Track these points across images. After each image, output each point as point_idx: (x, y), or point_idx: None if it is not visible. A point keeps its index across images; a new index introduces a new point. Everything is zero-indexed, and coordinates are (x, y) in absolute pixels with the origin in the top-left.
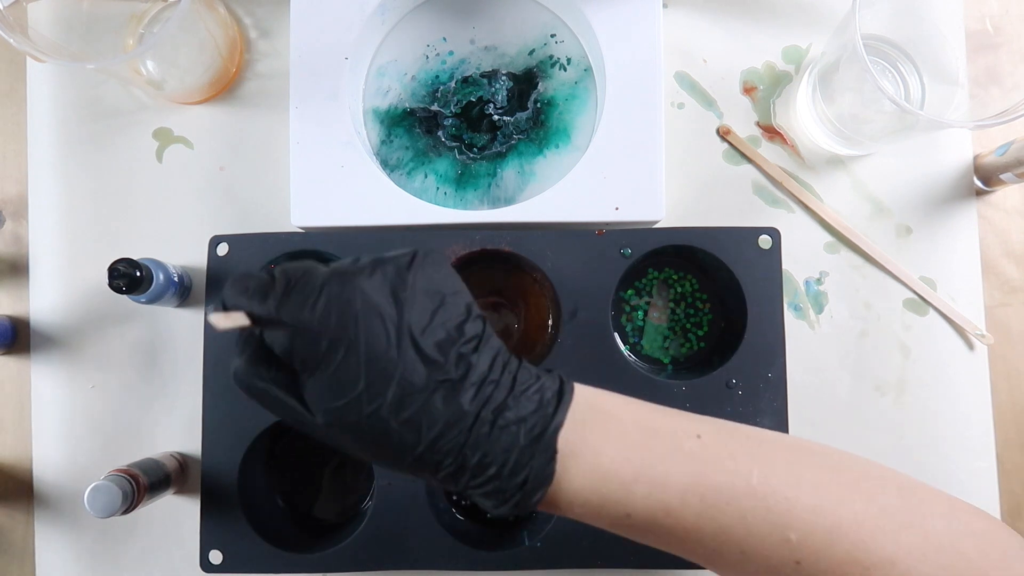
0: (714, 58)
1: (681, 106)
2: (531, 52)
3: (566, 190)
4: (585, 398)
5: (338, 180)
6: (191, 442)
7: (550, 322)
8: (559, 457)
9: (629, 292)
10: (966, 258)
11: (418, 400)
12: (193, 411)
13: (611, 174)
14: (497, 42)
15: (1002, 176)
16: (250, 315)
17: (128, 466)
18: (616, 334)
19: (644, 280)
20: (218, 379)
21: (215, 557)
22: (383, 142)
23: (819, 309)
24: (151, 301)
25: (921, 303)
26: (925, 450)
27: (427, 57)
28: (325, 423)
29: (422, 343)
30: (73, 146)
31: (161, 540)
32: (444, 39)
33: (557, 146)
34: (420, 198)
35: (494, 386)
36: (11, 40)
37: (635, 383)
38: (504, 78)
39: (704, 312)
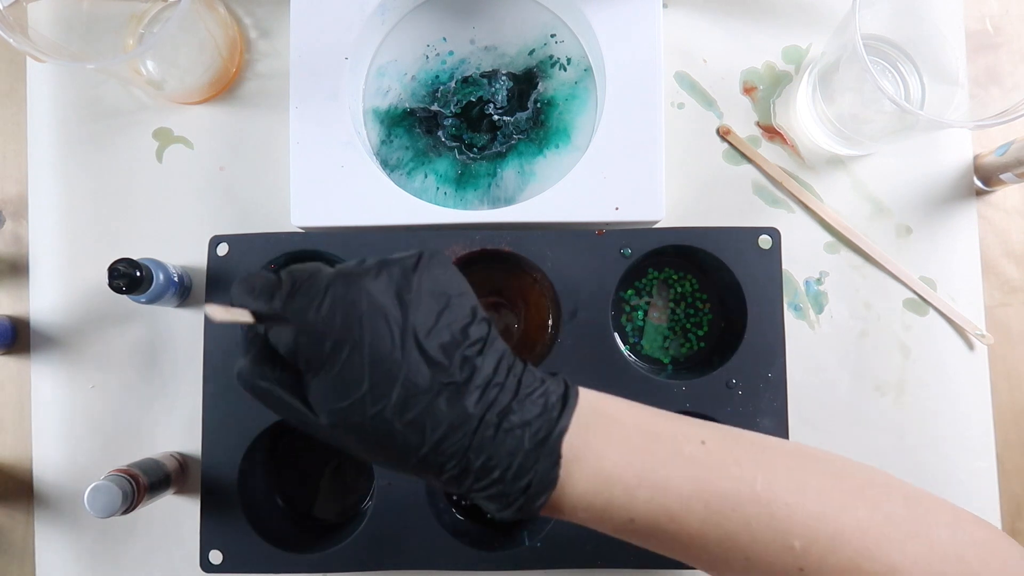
0: (714, 58)
1: (681, 106)
2: (531, 52)
3: (566, 190)
4: (589, 402)
5: (338, 180)
6: (191, 442)
7: (550, 322)
8: (563, 462)
9: (629, 292)
10: (966, 258)
11: (422, 402)
12: (193, 411)
13: (611, 174)
14: (497, 42)
15: (1002, 176)
16: (255, 313)
17: (128, 466)
18: (616, 334)
19: (644, 280)
20: (218, 379)
21: (215, 557)
22: (383, 142)
23: (819, 309)
24: (151, 301)
25: (921, 303)
26: (925, 450)
27: (427, 57)
28: (329, 424)
29: (426, 345)
30: (73, 146)
31: (161, 540)
32: (444, 39)
33: (557, 146)
34: (420, 198)
35: (499, 389)
36: (11, 40)
37: (635, 383)
38: (504, 78)
39: (704, 312)
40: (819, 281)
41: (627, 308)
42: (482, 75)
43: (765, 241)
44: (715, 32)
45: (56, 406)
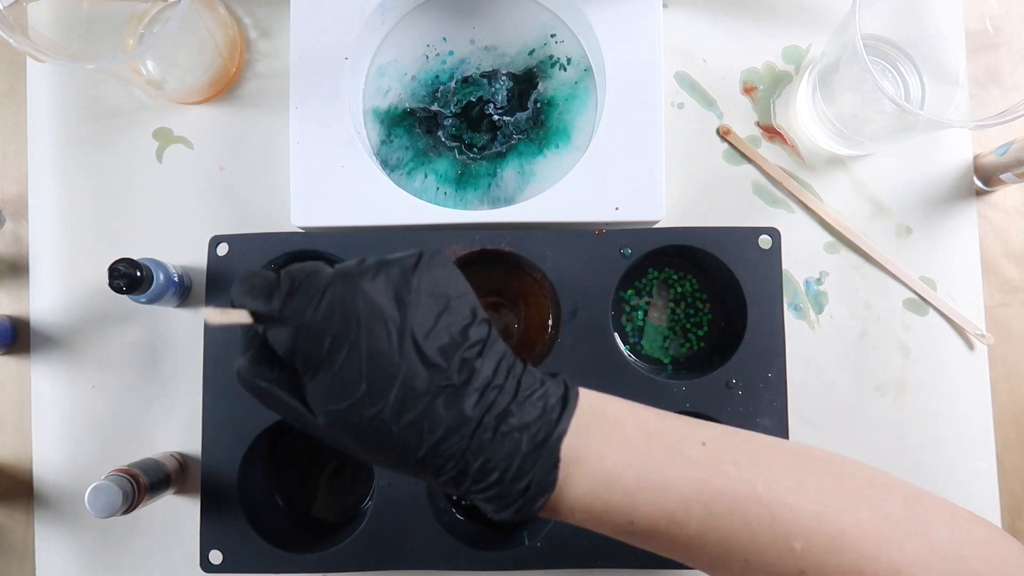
0: (714, 58)
1: (681, 106)
2: (531, 52)
3: (566, 190)
4: (589, 403)
5: (338, 180)
6: (191, 442)
7: (550, 322)
8: (562, 464)
9: (629, 292)
10: (966, 258)
11: (420, 404)
12: (193, 411)
13: (611, 174)
14: (497, 42)
15: (1002, 176)
16: (254, 313)
17: (128, 466)
18: (616, 334)
19: (644, 280)
20: (218, 379)
21: (215, 557)
22: (383, 142)
23: (819, 309)
24: (151, 301)
25: (921, 303)
26: (925, 450)
27: (427, 57)
28: (326, 424)
29: (425, 347)
30: (73, 146)
31: (161, 540)
32: (444, 39)
33: (557, 146)
34: (420, 198)
35: (498, 391)
36: (11, 40)
37: (635, 383)
38: (504, 78)
39: (704, 312)
40: (819, 281)
41: (627, 308)
42: (482, 75)
43: (765, 241)
44: (715, 32)
45: (56, 406)
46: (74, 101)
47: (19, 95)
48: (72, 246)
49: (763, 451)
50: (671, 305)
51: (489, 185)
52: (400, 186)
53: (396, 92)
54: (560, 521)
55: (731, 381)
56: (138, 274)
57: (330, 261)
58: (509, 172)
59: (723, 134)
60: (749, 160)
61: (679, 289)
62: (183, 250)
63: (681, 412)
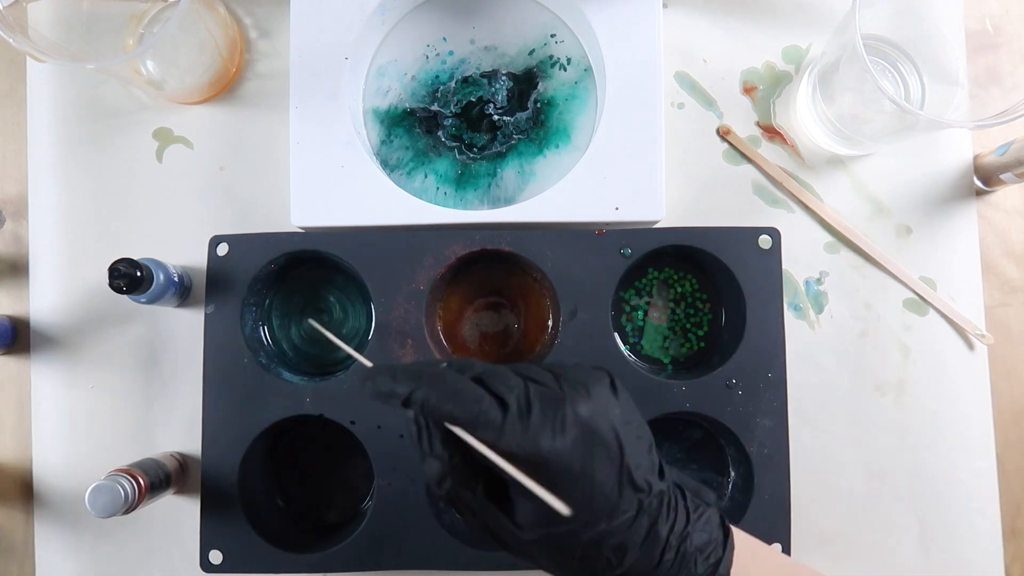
0: (714, 58)
1: (681, 106)
2: (531, 52)
3: (566, 190)
4: (738, 535)
5: (338, 180)
6: (191, 442)
7: (550, 322)
8: None
9: (629, 292)
10: (966, 258)
11: (628, 527)
12: (193, 411)
13: (611, 174)
14: (497, 42)
15: (1002, 176)
16: (484, 440)
17: (128, 466)
18: (616, 334)
19: (644, 280)
20: (218, 379)
21: (215, 557)
22: (383, 142)
23: (819, 309)
24: (151, 301)
25: (921, 303)
26: (925, 450)
27: (427, 57)
28: (533, 540)
29: (636, 476)
30: (73, 146)
31: (161, 540)
32: (444, 39)
33: (557, 146)
34: (420, 198)
35: (675, 512)
36: (11, 40)
37: (635, 383)
38: (504, 78)
39: (704, 312)
40: (819, 281)
41: (627, 308)
42: (482, 75)
43: (765, 241)
44: (715, 32)
45: (56, 406)
46: (74, 101)
47: (19, 95)
48: (72, 246)
49: None
50: (671, 305)
51: (489, 185)
52: (400, 186)
53: (396, 92)
54: None
55: (731, 381)
56: (138, 274)
57: (330, 261)
58: (509, 172)
59: (723, 134)
60: (749, 160)
61: (679, 289)
62: (183, 250)
63: (681, 412)
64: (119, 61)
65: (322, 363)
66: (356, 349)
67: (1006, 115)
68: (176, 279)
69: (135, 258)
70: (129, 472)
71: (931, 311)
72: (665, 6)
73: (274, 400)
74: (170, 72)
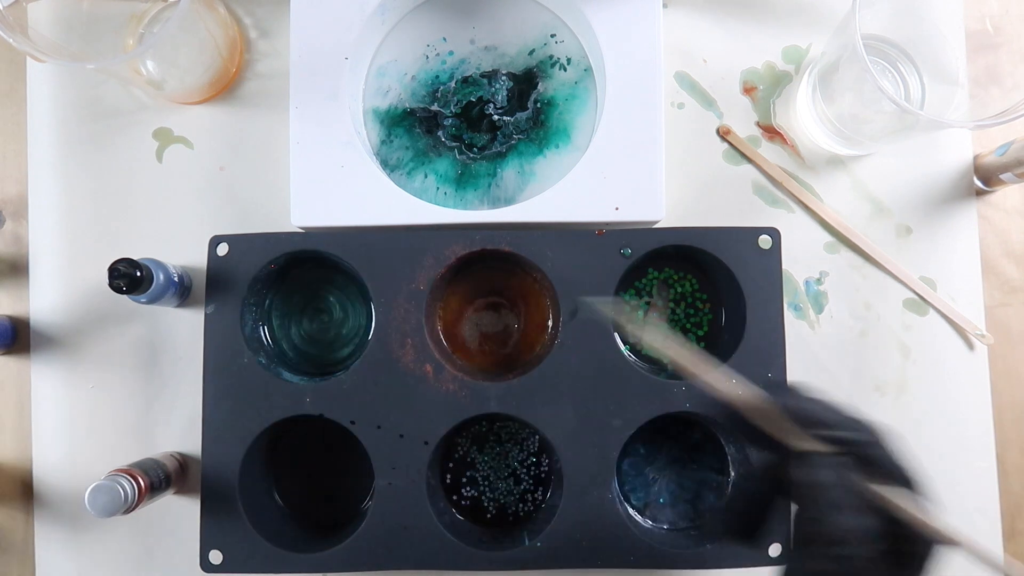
0: (714, 58)
1: (681, 106)
2: (531, 52)
3: (566, 190)
4: None
5: (338, 180)
6: (191, 442)
7: (550, 322)
8: None
9: (629, 292)
10: (966, 258)
11: None
12: (193, 411)
13: (611, 174)
14: (497, 42)
15: (1002, 176)
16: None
17: (128, 466)
18: (616, 334)
19: (644, 280)
20: (218, 379)
21: (215, 557)
22: (383, 142)
23: (819, 309)
24: (151, 301)
25: (921, 303)
26: (925, 450)
27: (427, 57)
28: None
29: None
30: (73, 146)
31: (161, 540)
32: (444, 39)
33: (557, 146)
34: (420, 198)
35: None
36: (11, 40)
37: (635, 383)
38: (504, 78)
39: (704, 312)
40: (819, 281)
41: (627, 308)
42: (482, 75)
43: (765, 241)
44: (715, 32)
45: (56, 406)
46: (74, 101)
47: (19, 95)
48: (72, 246)
49: None
50: (671, 305)
51: (489, 185)
52: (400, 186)
53: (396, 92)
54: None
55: (731, 381)
56: (138, 274)
57: (330, 261)
58: (509, 172)
59: (723, 134)
60: (749, 160)
61: (679, 289)
62: (183, 250)
63: (681, 412)
64: (119, 61)
65: (322, 363)
66: (356, 349)
67: (1006, 115)
68: (176, 279)
69: (135, 258)
70: (129, 472)
71: (931, 311)
72: (665, 6)
73: (274, 400)
74: (170, 72)
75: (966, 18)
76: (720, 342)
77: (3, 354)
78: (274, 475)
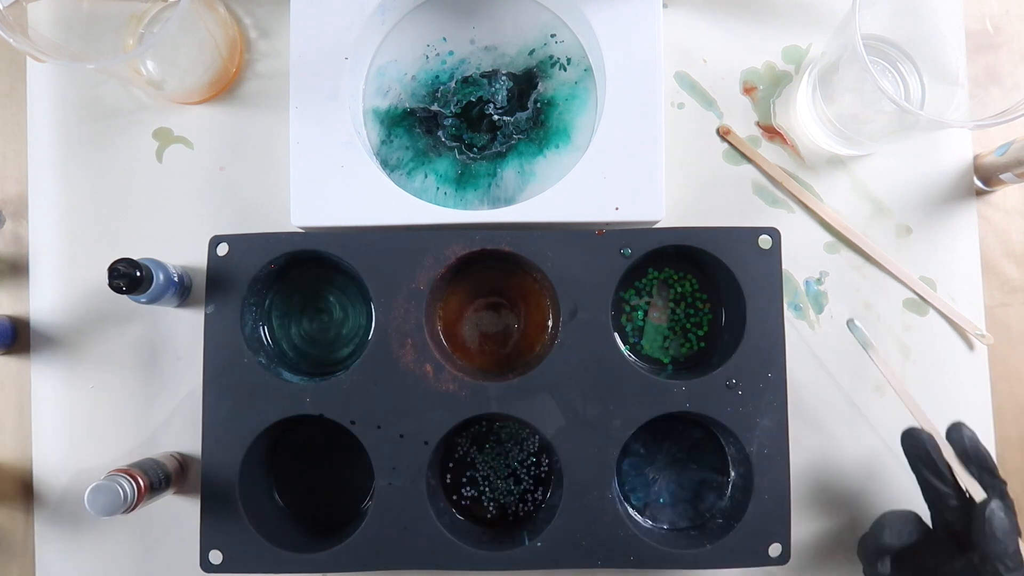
0: (714, 58)
1: (681, 106)
2: (531, 52)
3: (566, 190)
4: None
5: (338, 180)
6: (191, 442)
7: (550, 322)
8: None
9: (629, 292)
10: (966, 258)
11: None
12: (193, 411)
13: (611, 174)
14: (497, 42)
15: (1002, 176)
16: None
17: (128, 466)
18: (616, 334)
19: (644, 280)
20: (218, 379)
21: (215, 557)
22: (383, 142)
23: (819, 309)
24: (151, 301)
25: (921, 303)
26: None
27: (427, 57)
28: None
29: None
30: (73, 146)
31: (161, 540)
32: (444, 39)
33: (557, 146)
34: (420, 198)
35: None
36: (11, 40)
37: (635, 383)
38: (504, 78)
39: (704, 312)
40: (819, 281)
41: (627, 308)
42: (482, 75)
43: (765, 241)
44: (715, 32)
45: (56, 406)
46: (74, 101)
47: (19, 95)
48: (72, 246)
49: None
50: (671, 305)
51: (489, 185)
52: (400, 186)
53: (396, 92)
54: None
55: (731, 381)
56: (138, 274)
57: (330, 261)
58: (509, 172)
59: (723, 134)
60: (749, 160)
61: (679, 289)
62: (183, 250)
63: (681, 412)
64: (119, 61)
65: (322, 363)
66: (356, 349)
67: (1006, 115)
68: (176, 279)
69: (135, 258)
70: (129, 472)
71: (931, 311)
72: (665, 6)
73: (274, 400)
74: (170, 72)
75: (966, 18)
76: (720, 342)
77: (3, 354)
78: (274, 475)
